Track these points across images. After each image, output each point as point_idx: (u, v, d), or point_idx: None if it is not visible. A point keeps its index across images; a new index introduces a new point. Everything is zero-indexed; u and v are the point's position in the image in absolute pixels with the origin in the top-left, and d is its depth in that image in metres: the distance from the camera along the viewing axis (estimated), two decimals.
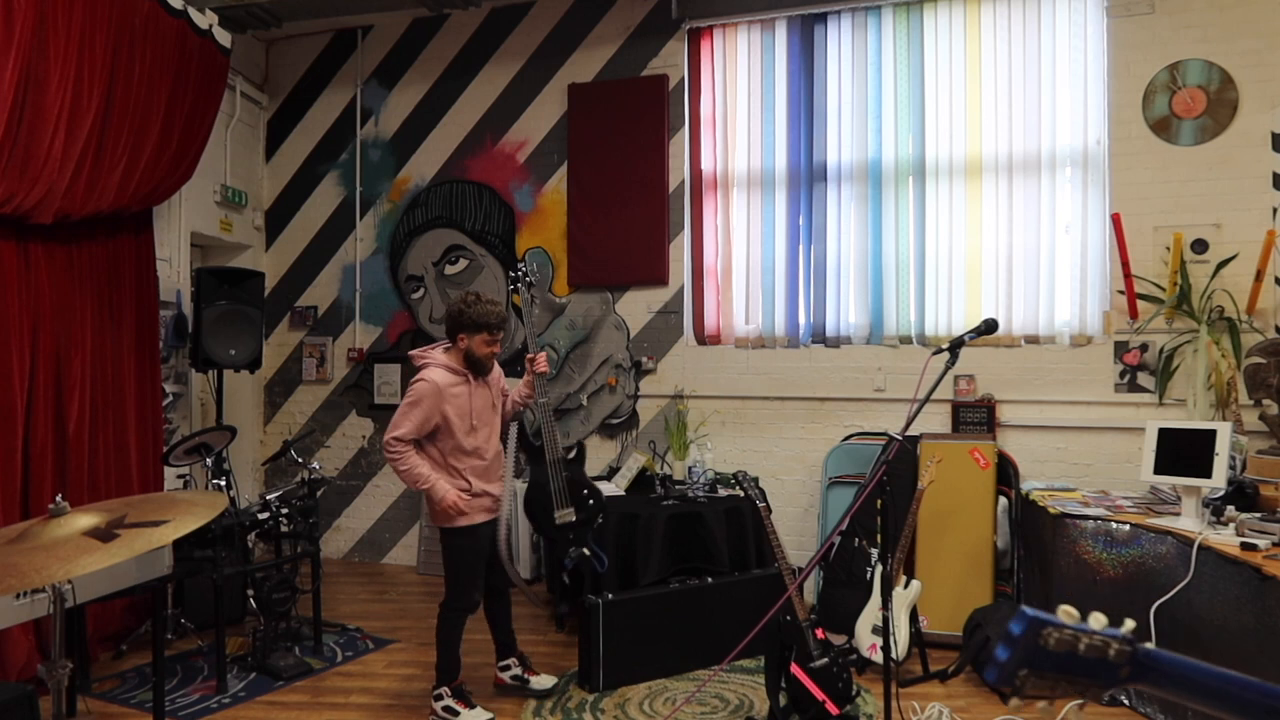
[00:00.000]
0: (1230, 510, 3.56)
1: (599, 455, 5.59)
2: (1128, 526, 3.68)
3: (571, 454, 3.78)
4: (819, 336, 5.34)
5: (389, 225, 6.25)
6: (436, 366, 3.49)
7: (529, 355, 3.73)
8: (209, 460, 4.51)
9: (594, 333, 5.75)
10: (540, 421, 3.77)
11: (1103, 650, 0.96)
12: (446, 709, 3.54)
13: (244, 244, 6.28)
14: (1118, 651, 0.96)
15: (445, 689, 3.56)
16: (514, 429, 3.81)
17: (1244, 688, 0.97)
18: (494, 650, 3.88)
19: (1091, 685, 0.97)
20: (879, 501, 3.22)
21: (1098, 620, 0.97)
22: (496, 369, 3.69)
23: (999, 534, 4.48)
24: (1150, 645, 0.98)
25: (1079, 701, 3.61)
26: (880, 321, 5.22)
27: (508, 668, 3.84)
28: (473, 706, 3.54)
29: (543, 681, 3.79)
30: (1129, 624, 0.99)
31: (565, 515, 3.69)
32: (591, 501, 3.76)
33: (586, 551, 3.76)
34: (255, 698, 3.83)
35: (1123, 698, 3.59)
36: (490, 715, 3.52)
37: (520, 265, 3.98)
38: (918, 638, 4.03)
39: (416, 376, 3.47)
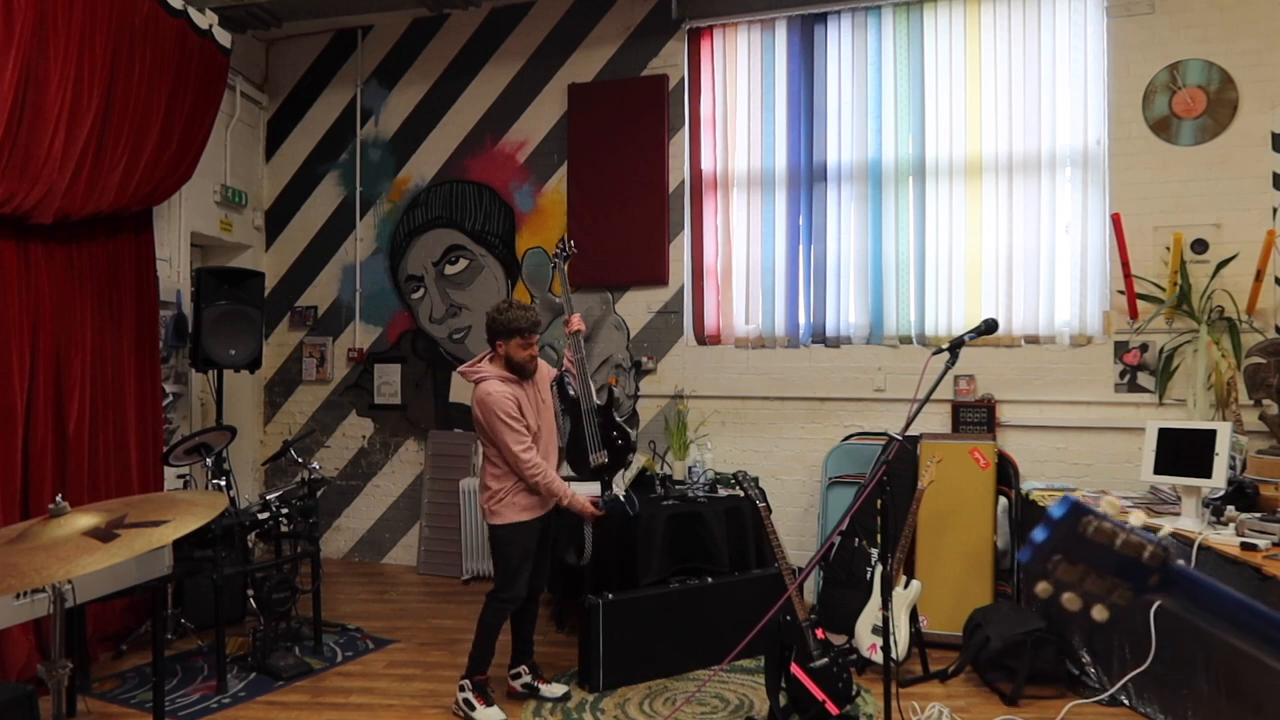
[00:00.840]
0: (1230, 510, 3.56)
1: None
2: None
3: (603, 400, 3.85)
4: (819, 336, 5.34)
5: (389, 225, 6.25)
6: (491, 378, 3.60)
7: (565, 317, 3.85)
8: (209, 460, 4.51)
9: (594, 333, 5.75)
10: (576, 373, 3.83)
11: (1138, 550, 0.95)
12: (465, 701, 3.59)
13: (244, 244, 6.28)
14: (1152, 554, 0.95)
15: (469, 681, 3.62)
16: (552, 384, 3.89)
17: (1268, 621, 0.97)
18: (507, 654, 3.88)
19: (1120, 585, 0.96)
20: (879, 501, 3.22)
21: (1137, 519, 0.97)
22: (542, 366, 3.79)
23: (999, 534, 4.48)
24: (1182, 561, 0.97)
25: (1077, 701, 3.62)
26: (880, 321, 5.22)
27: (519, 675, 3.85)
28: (490, 704, 3.59)
29: (554, 690, 3.80)
30: (1166, 529, 1.00)
31: (599, 458, 3.78)
32: (621, 442, 3.81)
33: (620, 496, 3.82)
34: (255, 698, 3.83)
35: (1123, 698, 3.59)
36: (503, 717, 3.54)
37: (562, 241, 4.03)
38: (918, 638, 4.03)
39: (478, 393, 3.58)
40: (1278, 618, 0.97)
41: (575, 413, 3.78)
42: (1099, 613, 0.96)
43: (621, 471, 4.85)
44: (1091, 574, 0.96)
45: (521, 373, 3.64)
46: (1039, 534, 0.96)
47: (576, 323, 3.81)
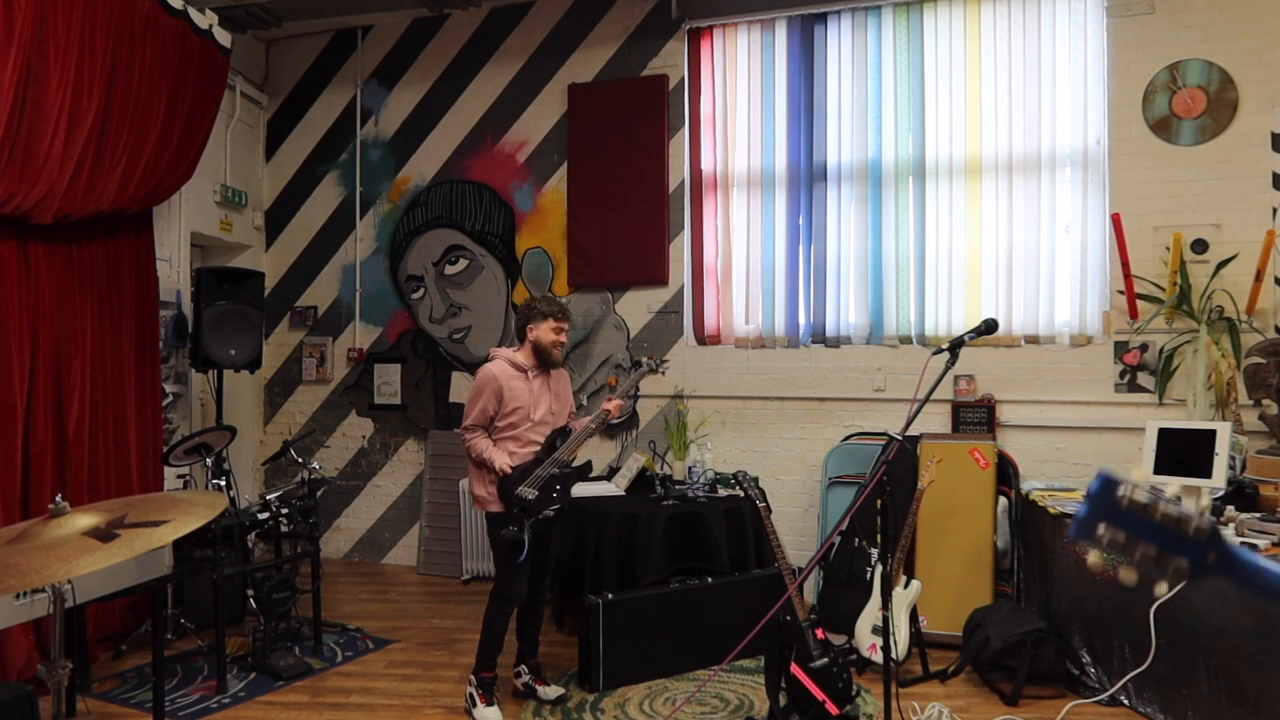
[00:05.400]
0: (1230, 510, 3.56)
1: (599, 455, 5.58)
2: None
3: (576, 464, 3.77)
4: (819, 336, 5.34)
5: (389, 225, 6.25)
6: (498, 359, 3.71)
7: (609, 397, 3.84)
8: (209, 460, 4.51)
9: (594, 333, 5.75)
10: (577, 430, 3.80)
11: (1181, 524, 0.98)
12: (470, 696, 3.64)
13: (244, 244, 6.28)
14: (1198, 529, 0.98)
15: (474, 676, 3.65)
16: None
17: None
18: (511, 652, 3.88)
19: (1175, 561, 0.99)
20: (879, 501, 3.22)
21: (1173, 488, 1.02)
22: (566, 387, 3.86)
23: (999, 534, 4.48)
24: (1229, 539, 1.00)
25: (1077, 701, 3.62)
26: (880, 321, 5.22)
27: (520, 674, 3.85)
28: (491, 703, 3.60)
29: (549, 692, 3.80)
30: (1205, 500, 1.04)
31: (526, 493, 3.60)
32: (555, 505, 3.68)
33: (516, 530, 3.61)
34: (255, 698, 3.83)
35: (1122, 698, 3.59)
36: (499, 718, 3.55)
37: (655, 360, 4.07)
38: (918, 638, 4.03)
39: (478, 371, 3.70)
40: None
41: (548, 452, 3.72)
42: (1161, 589, 0.99)
43: (623, 470, 4.85)
44: (1140, 546, 0.99)
45: (546, 360, 3.71)
46: (1081, 509, 1.01)
47: (615, 410, 3.80)
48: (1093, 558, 1.01)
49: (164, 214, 5.26)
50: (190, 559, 3.88)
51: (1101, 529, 0.99)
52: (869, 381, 5.21)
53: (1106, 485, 1.00)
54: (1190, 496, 3.58)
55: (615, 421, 4.12)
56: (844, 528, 4.64)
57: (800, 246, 5.36)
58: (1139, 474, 1.00)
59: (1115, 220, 4.72)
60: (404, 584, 5.72)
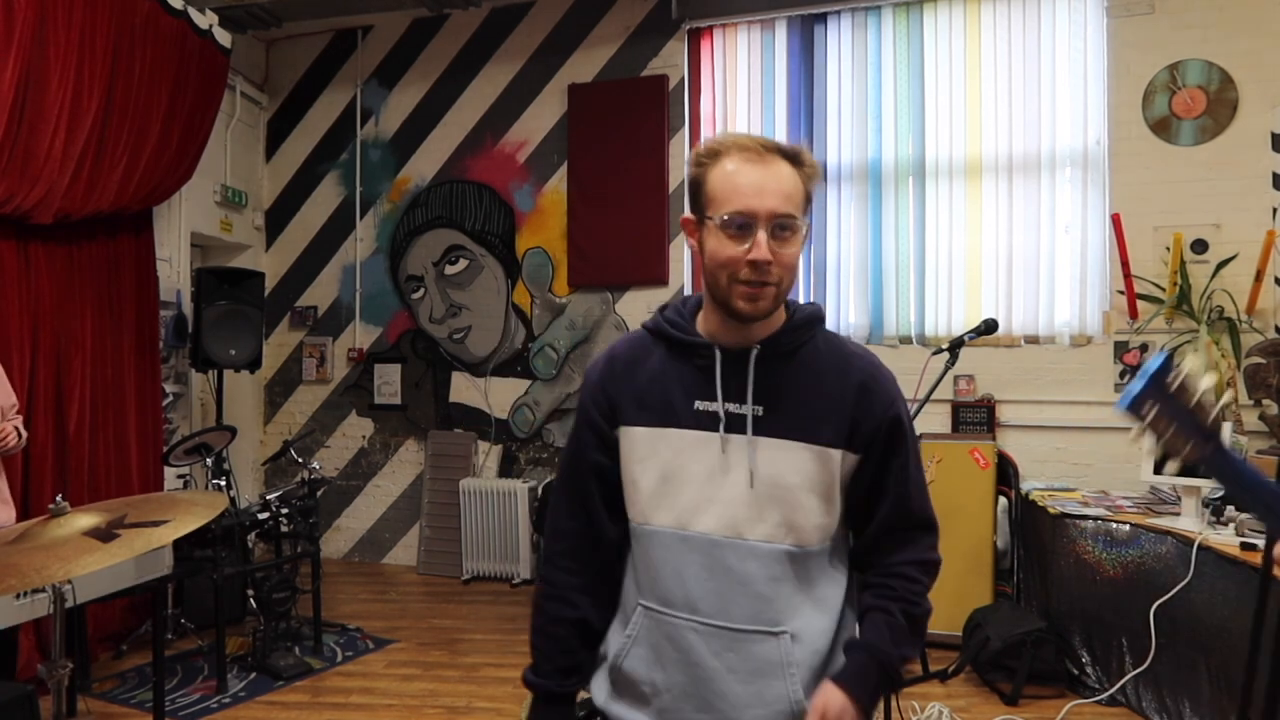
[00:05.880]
0: (1230, 510, 3.56)
1: None
2: (1128, 526, 3.68)
3: None
4: None
5: (389, 225, 6.25)
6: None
7: None
8: (209, 460, 4.51)
9: (594, 333, 5.75)
10: None
11: (1206, 411, 1.11)
12: None
13: (244, 244, 6.28)
14: (1214, 421, 1.11)
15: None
16: None
17: None
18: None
19: (1191, 442, 1.12)
20: None
21: (1208, 380, 1.14)
22: None
23: (999, 534, 4.48)
24: (1226, 440, 1.16)
25: (1077, 701, 3.62)
26: (880, 321, 5.22)
27: None
28: None
29: None
30: (1228, 395, 1.14)
31: None
32: None
33: None
34: (255, 698, 3.83)
35: (1122, 698, 3.59)
36: None
37: None
38: None
39: None
40: None
41: None
42: (1170, 467, 1.15)
43: None
44: (1173, 425, 1.12)
45: None
46: (1136, 384, 1.14)
47: None
48: (1135, 431, 1.14)
49: (164, 214, 5.26)
50: (190, 559, 3.88)
51: (1147, 405, 1.12)
52: None
53: (1163, 367, 1.12)
54: (1185, 504, 3.58)
55: None
56: None
57: None
58: (1191, 363, 1.12)
59: (1115, 220, 4.72)
60: (404, 584, 5.72)
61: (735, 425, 1.39)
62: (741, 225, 1.32)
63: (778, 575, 1.38)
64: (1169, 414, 1.11)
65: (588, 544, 1.50)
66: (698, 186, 1.38)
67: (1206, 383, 1.11)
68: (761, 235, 1.31)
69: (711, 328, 1.44)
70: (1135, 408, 1.13)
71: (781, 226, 1.32)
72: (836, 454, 1.39)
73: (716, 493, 1.39)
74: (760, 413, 1.39)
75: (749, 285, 1.33)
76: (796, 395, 1.40)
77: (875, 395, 1.42)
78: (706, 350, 1.42)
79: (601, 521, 1.49)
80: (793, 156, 1.36)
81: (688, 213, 1.42)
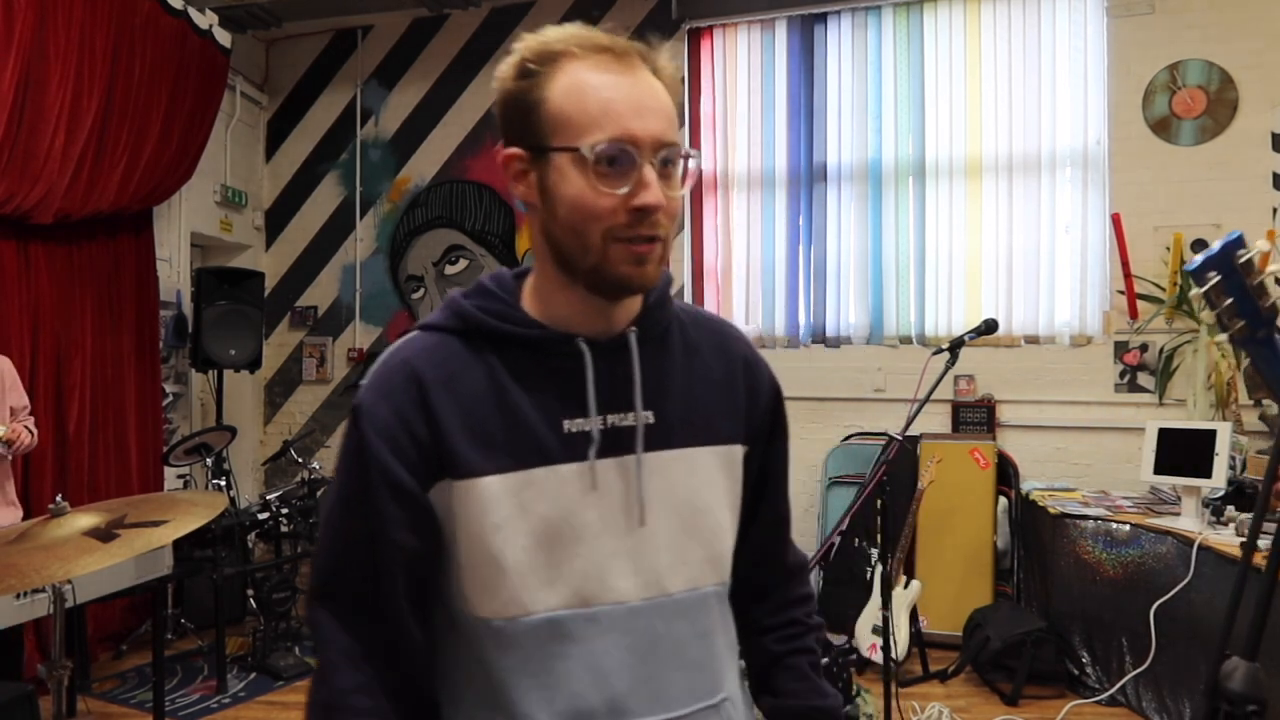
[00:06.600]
0: (1230, 510, 3.56)
1: None
2: (1128, 526, 3.68)
3: None
4: (819, 336, 5.34)
5: (389, 225, 6.24)
6: None
7: None
8: (209, 460, 4.51)
9: None
10: None
11: (1262, 295, 1.16)
12: None
13: (244, 244, 6.28)
14: (1271, 306, 1.16)
15: None
16: None
17: None
18: None
19: (1243, 321, 1.17)
20: (879, 501, 3.22)
21: (1276, 264, 1.20)
22: None
23: (999, 534, 4.48)
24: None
25: (1077, 701, 3.62)
26: (880, 321, 5.22)
27: None
28: None
29: None
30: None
31: None
32: None
33: None
34: (255, 698, 3.83)
35: (1122, 698, 3.59)
36: None
37: None
38: (918, 638, 4.03)
39: None
40: None
41: None
42: (1215, 343, 1.22)
43: None
44: (1229, 303, 1.17)
45: None
46: (1206, 253, 1.20)
47: None
48: (1194, 292, 1.21)
49: (164, 214, 5.26)
50: (190, 559, 3.89)
51: (1211, 274, 1.17)
52: (869, 381, 5.21)
53: (1233, 242, 1.17)
54: (1185, 504, 3.58)
55: None
56: (844, 528, 4.63)
57: (800, 246, 5.36)
58: (1262, 243, 1.17)
59: (1115, 220, 4.72)
60: None
61: (621, 442, 1.00)
62: (617, 159, 0.92)
63: (706, 629, 1.04)
64: (1229, 287, 1.15)
65: (394, 696, 0.96)
66: (530, 106, 0.96)
67: (1275, 267, 1.16)
68: (649, 172, 0.93)
69: (559, 312, 1.03)
70: (1199, 273, 1.18)
71: (667, 160, 0.95)
72: (739, 450, 1.09)
73: (623, 542, 0.98)
74: (651, 419, 1.02)
75: (633, 243, 0.95)
76: (686, 388, 1.07)
77: (760, 369, 1.15)
78: (566, 345, 1.01)
79: (413, 646, 0.98)
80: (653, 61, 1.00)
81: (506, 146, 0.99)
